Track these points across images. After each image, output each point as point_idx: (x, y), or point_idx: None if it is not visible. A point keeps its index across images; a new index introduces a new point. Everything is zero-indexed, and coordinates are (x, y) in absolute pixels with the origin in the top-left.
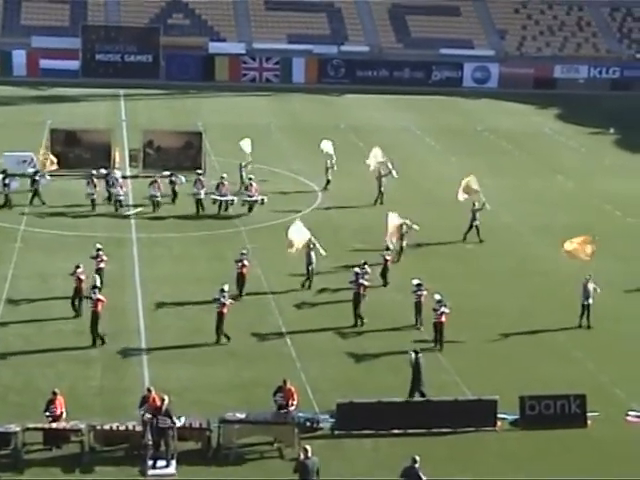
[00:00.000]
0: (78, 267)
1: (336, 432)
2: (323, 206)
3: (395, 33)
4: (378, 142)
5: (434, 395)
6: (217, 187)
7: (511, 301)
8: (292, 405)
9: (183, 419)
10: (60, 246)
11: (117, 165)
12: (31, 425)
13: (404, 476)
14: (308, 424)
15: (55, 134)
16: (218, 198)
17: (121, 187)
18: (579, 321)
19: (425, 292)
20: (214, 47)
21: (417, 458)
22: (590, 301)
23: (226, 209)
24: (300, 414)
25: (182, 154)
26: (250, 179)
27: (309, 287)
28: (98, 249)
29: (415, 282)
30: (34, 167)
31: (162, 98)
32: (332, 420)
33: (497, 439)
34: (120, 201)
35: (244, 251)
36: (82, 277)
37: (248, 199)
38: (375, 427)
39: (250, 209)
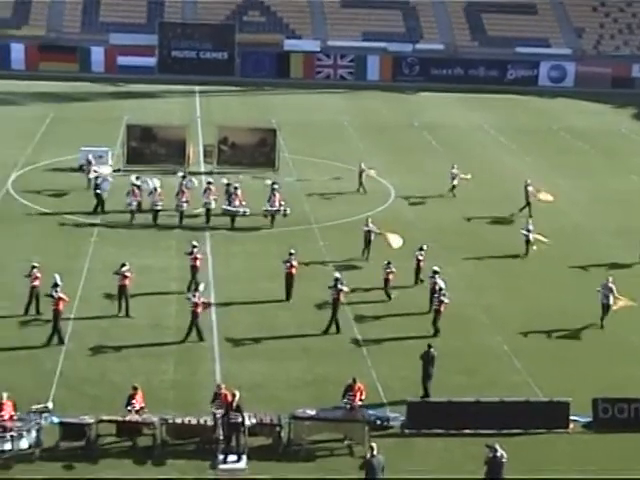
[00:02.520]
0: (124, 265)
1: (407, 431)
2: (396, 203)
3: (470, 31)
4: (451, 141)
5: (506, 396)
6: (177, 194)
7: (583, 302)
8: (361, 401)
9: (253, 419)
10: (133, 241)
11: (191, 161)
12: (105, 417)
13: (488, 464)
14: (378, 422)
15: (131, 130)
16: (183, 209)
17: (135, 196)
18: (601, 323)
19: (394, 270)
20: (289, 44)
21: (497, 446)
22: (611, 301)
23: (181, 220)
24: (371, 412)
25: (256, 151)
26: (235, 188)
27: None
28: (194, 246)
29: (386, 262)
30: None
31: (237, 95)
32: (403, 419)
33: (569, 441)
34: (132, 211)
35: (292, 251)
36: (128, 274)
37: (230, 209)
38: (446, 427)
39: (232, 221)
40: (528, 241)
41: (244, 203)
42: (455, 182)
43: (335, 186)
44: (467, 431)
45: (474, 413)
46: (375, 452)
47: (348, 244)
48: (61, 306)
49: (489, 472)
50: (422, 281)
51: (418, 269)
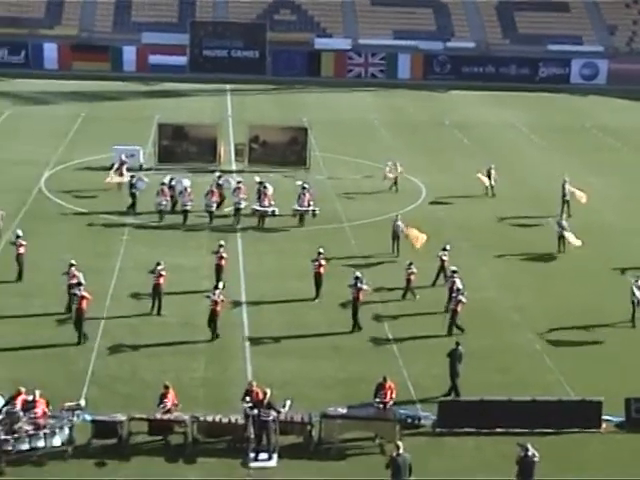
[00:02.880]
0: (159, 264)
1: (438, 430)
2: (427, 202)
3: (502, 29)
4: (483, 139)
5: (538, 395)
6: (206, 194)
7: (615, 301)
8: (391, 400)
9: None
10: (164, 240)
11: (222, 160)
12: (136, 415)
13: (519, 463)
14: (410, 421)
15: (163, 128)
16: (212, 209)
17: (165, 196)
18: (632, 322)
19: (415, 270)
20: (320, 43)
21: (529, 445)
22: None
23: (211, 220)
24: (402, 411)
25: (287, 149)
26: (265, 187)
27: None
28: (220, 245)
29: (407, 262)
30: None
31: (268, 93)
32: (434, 417)
33: (601, 441)
34: (162, 211)
35: (321, 250)
36: (163, 273)
37: (259, 209)
38: (477, 425)
39: (261, 221)
40: (561, 237)
41: (273, 202)
42: (493, 182)
43: (366, 184)
44: (499, 430)
45: (506, 412)
46: (401, 450)
47: (379, 242)
48: (84, 304)
49: (520, 472)
50: (446, 277)
51: (442, 269)
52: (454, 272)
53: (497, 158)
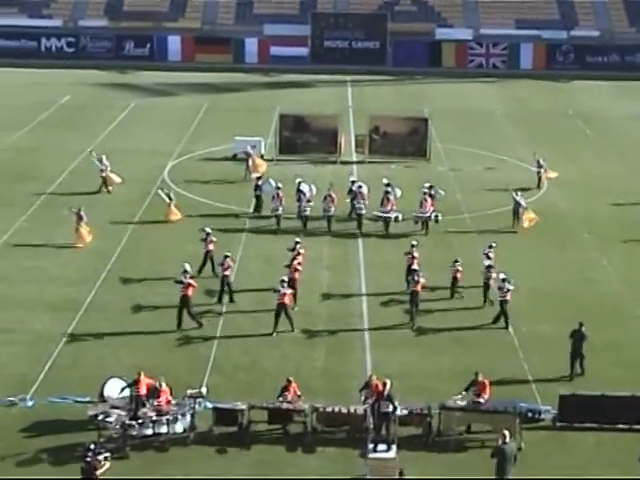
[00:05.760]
0: (295, 258)
1: (558, 424)
2: (548, 193)
3: (628, 17)
4: (606, 130)
5: None
6: (324, 199)
7: None
8: (483, 398)
9: (404, 411)
10: (283, 231)
11: (343, 151)
12: (257, 404)
13: None
14: (530, 414)
15: (284, 119)
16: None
17: (280, 200)
18: None
19: (461, 268)
20: (441, 33)
21: None
22: None
23: (329, 225)
24: (522, 404)
25: (407, 140)
26: (387, 192)
27: None
28: (296, 242)
29: (453, 260)
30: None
31: (388, 84)
32: (554, 412)
33: None
34: (278, 216)
35: (414, 242)
36: (299, 268)
37: (381, 215)
38: (599, 421)
39: (386, 227)
40: None
41: (395, 208)
42: None
43: (487, 176)
44: (620, 426)
45: (629, 408)
46: (507, 439)
47: (500, 233)
48: (190, 292)
49: None
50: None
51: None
52: (489, 267)
53: (621, 149)
